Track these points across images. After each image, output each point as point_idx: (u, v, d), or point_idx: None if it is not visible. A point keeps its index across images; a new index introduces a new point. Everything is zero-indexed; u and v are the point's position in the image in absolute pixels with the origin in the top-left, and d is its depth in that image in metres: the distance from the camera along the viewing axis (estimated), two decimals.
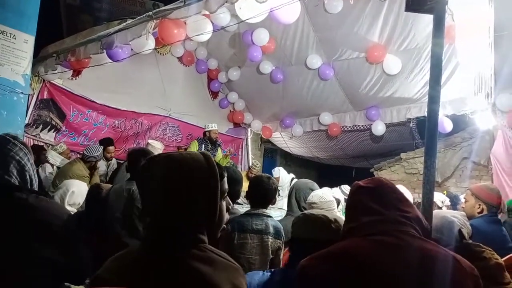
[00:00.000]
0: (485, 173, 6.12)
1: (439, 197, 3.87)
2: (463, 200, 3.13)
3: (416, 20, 4.75)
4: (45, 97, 5.78)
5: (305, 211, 1.86)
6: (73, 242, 1.57)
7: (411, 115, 6.07)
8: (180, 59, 7.30)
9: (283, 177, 6.48)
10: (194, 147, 6.80)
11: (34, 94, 5.53)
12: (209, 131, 6.88)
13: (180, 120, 7.71)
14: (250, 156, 9.05)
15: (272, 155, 10.52)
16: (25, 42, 3.72)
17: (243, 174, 6.36)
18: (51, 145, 5.77)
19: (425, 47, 4.96)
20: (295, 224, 1.74)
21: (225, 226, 1.24)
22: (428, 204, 1.78)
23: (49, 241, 1.47)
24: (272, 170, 6.72)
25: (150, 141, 6.19)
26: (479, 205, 2.72)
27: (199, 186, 1.10)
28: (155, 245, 1.09)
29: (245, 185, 3.10)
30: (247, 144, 9.12)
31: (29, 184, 1.58)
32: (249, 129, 8.92)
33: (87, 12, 7.76)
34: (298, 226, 1.72)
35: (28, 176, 1.59)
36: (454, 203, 4.62)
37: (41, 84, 5.66)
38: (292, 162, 10.30)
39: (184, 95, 7.66)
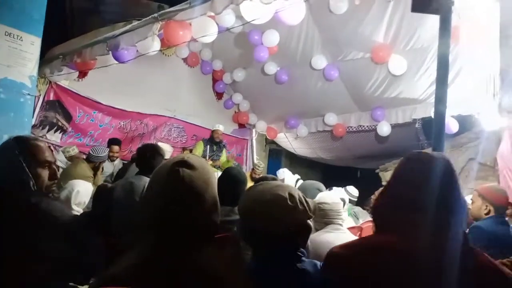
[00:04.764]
0: (491, 174, 6.06)
1: None
2: (469, 201, 3.11)
3: (422, 20, 4.73)
4: (51, 98, 5.81)
5: (250, 190, 1.56)
6: (79, 240, 1.61)
7: (416, 115, 6.04)
8: (185, 60, 7.33)
9: (288, 178, 6.47)
10: (199, 148, 6.83)
11: (40, 95, 5.56)
12: (213, 132, 6.93)
13: (185, 121, 7.74)
14: (255, 156, 9.05)
15: (277, 156, 10.50)
16: (32, 44, 3.74)
17: (247, 174, 6.36)
18: (58, 146, 5.80)
19: (431, 47, 4.94)
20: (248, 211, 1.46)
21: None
22: None
23: (54, 239, 1.51)
24: (277, 172, 6.73)
25: (159, 144, 6.21)
26: (486, 206, 2.70)
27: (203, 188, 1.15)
28: (162, 243, 1.11)
29: (250, 185, 3.10)
30: (252, 145, 9.13)
31: (31, 185, 1.61)
32: (253, 130, 8.92)
33: (92, 14, 7.79)
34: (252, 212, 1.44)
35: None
36: None
37: (48, 85, 5.70)
38: (297, 163, 10.28)
39: (189, 96, 7.69)
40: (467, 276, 1.08)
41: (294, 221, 1.39)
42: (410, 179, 1.23)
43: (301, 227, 1.44)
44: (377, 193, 3.52)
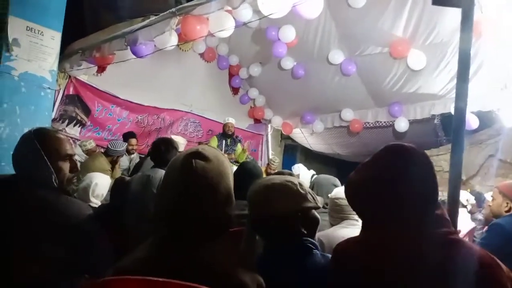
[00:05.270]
0: (511, 172, 5.95)
1: (463, 195, 3.80)
2: (489, 199, 3.06)
3: (442, 14, 4.64)
4: (71, 92, 5.91)
5: (260, 179, 1.60)
6: (89, 241, 1.58)
7: (435, 111, 5.94)
8: (202, 55, 7.37)
9: (303, 174, 6.46)
10: (214, 143, 6.86)
11: (60, 89, 5.66)
12: (224, 125, 6.96)
13: (201, 116, 7.79)
14: (270, 152, 9.05)
15: (292, 151, 10.47)
16: (52, 39, 3.79)
17: (262, 169, 6.37)
18: (77, 140, 5.90)
19: (451, 42, 4.85)
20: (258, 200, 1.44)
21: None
22: (453, 202, 1.75)
23: (63, 240, 1.49)
24: (292, 167, 6.71)
25: (173, 136, 6.26)
26: (507, 203, 2.66)
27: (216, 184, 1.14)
28: (174, 236, 1.12)
29: None
30: (267, 140, 9.12)
31: (53, 179, 1.59)
32: (269, 125, 8.91)
33: (110, 9, 7.87)
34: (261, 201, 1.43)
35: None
36: (478, 201, 4.53)
37: (67, 80, 5.80)
38: (312, 158, 10.24)
39: (205, 91, 7.73)
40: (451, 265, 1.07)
41: (303, 208, 1.39)
42: (385, 171, 1.21)
43: (309, 216, 1.44)
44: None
